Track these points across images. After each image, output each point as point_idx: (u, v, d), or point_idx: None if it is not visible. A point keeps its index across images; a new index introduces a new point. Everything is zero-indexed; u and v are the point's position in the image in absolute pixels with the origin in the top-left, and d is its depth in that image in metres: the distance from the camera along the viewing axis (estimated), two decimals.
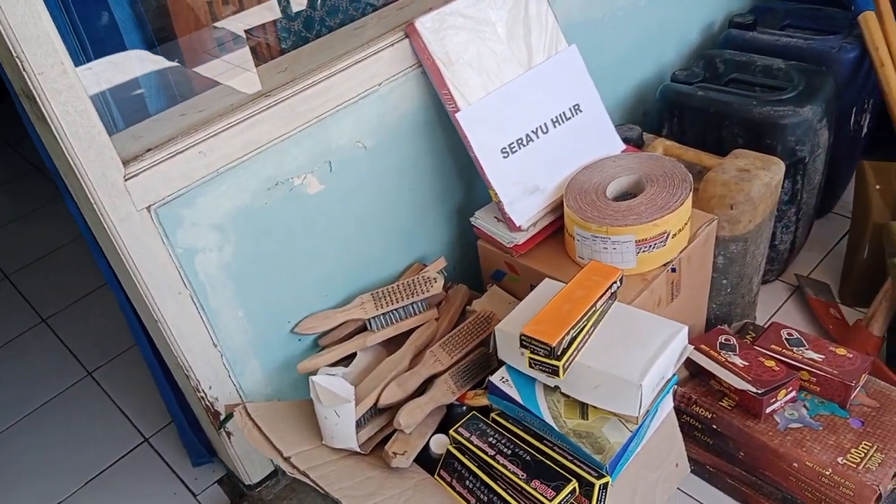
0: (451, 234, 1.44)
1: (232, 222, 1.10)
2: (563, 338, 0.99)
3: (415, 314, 1.26)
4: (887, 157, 1.58)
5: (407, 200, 1.33)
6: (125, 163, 0.96)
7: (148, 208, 0.99)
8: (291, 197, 1.15)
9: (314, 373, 1.13)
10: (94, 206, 0.95)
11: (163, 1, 1.24)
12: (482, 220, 1.30)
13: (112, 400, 1.70)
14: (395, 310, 1.25)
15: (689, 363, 1.29)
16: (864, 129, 1.75)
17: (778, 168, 1.38)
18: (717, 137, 1.52)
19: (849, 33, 1.64)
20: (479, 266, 1.38)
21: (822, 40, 1.64)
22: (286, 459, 0.99)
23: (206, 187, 1.04)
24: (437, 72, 1.21)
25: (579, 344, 1.03)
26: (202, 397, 1.15)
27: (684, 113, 1.56)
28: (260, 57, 1.29)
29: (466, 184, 1.40)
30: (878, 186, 1.56)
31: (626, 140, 1.40)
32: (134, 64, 1.23)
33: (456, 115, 1.21)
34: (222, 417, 1.14)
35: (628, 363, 1.00)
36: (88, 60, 1.13)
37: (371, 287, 1.31)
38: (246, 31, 1.26)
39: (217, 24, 1.28)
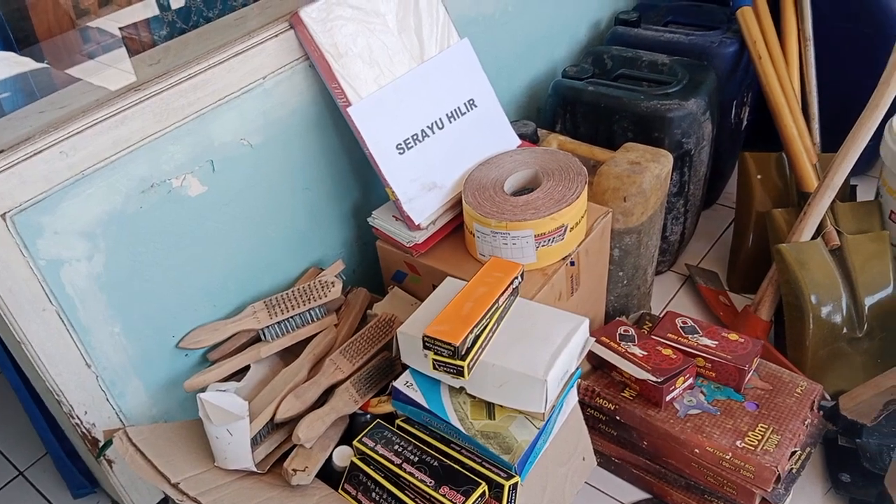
0: (349, 235, 1.38)
1: (102, 229, 1.00)
2: (466, 337, 0.96)
3: (312, 321, 1.20)
4: (767, 148, 1.65)
5: (300, 201, 1.26)
6: None
7: (2, 216, 0.89)
8: (170, 199, 1.07)
9: (203, 390, 1.05)
10: None
11: (22, 3, 1.12)
12: (380, 219, 1.26)
13: None
14: (291, 317, 1.18)
15: (591, 356, 1.30)
16: (745, 122, 1.83)
17: (667, 160, 1.40)
18: (608, 132, 1.54)
19: (728, 28, 1.70)
20: (378, 267, 1.33)
21: (703, 35, 1.69)
22: (174, 486, 0.91)
23: (69, 191, 0.94)
24: (325, 65, 1.15)
25: (483, 342, 1.00)
26: (77, 424, 1.05)
27: (576, 108, 1.57)
28: (132, 52, 1.19)
29: (363, 182, 1.35)
30: (759, 176, 1.63)
31: (521, 136, 1.39)
32: None
33: (347, 109, 1.16)
34: (101, 444, 1.04)
35: (532, 359, 0.98)
36: None
37: (265, 295, 1.23)
38: (120, 29, 1.16)
39: (91, 24, 1.18)
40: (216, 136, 1.10)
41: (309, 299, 1.19)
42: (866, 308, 1.38)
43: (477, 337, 0.99)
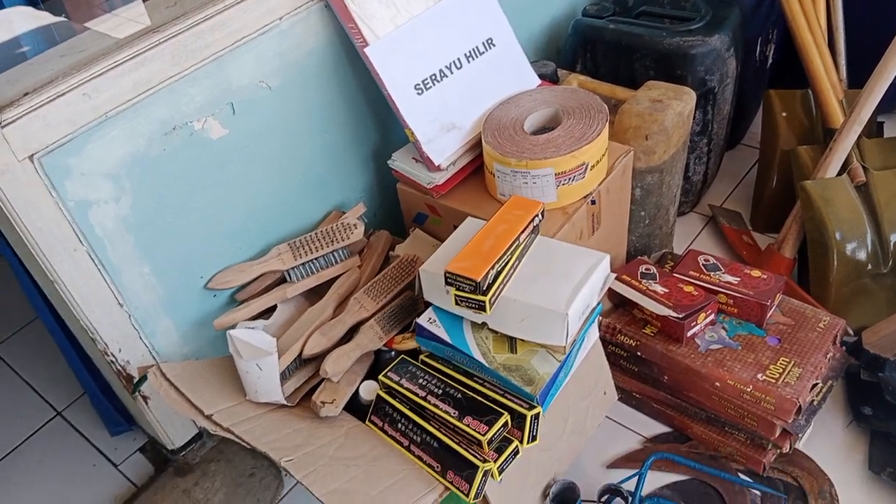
0: (369, 178, 1.39)
1: (127, 171, 1.01)
2: (487, 272, 0.97)
3: (336, 263, 1.22)
4: (793, 86, 1.62)
5: (320, 145, 1.27)
6: (0, 109, 0.87)
7: (31, 158, 0.90)
8: (192, 142, 1.08)
9: (233, 328, 1.08)
10: None
11: None
12: (400, 161, 1.26)
13: (18, 375, 1.60)
14: (315, 259, 1.20)
15: (612, 294, 1.30)
16: (770, 60, 1.79)
17: (689, 97, 1.38)
18: (629, 70, 1.52)
19: None
20: (399, 210, 1.34)
21: None
22: (208, 417, 0.94)
23: (94, 133, 0.96)
24: (341, 4, 1.14)
25: (504, 278, 1.01)
26: (112, 361, 1.08)
27: (597, 47, 1.54)
28: None
29: (382, 125, 1.35)
30: (784, 114, 1.60)
31: (541, 76, 1.37)
32: (15, 20, 1.15)
33: (365, 49, 1.15)
34: (136, 381, 1.07)
35: (554, 294, 0.99)
36: None
37: (288, 237, 1.25)
38: None
39: None
40: (235, 79, 1.10)
41: (332, 241, 1.21)
42: (892, 244, 1.37)
43: (498, 273, 1.00)
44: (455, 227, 1.16)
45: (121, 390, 1.21)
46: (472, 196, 1.24)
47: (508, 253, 1.02)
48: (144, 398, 1.13)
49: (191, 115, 1.06)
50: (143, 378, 0.99)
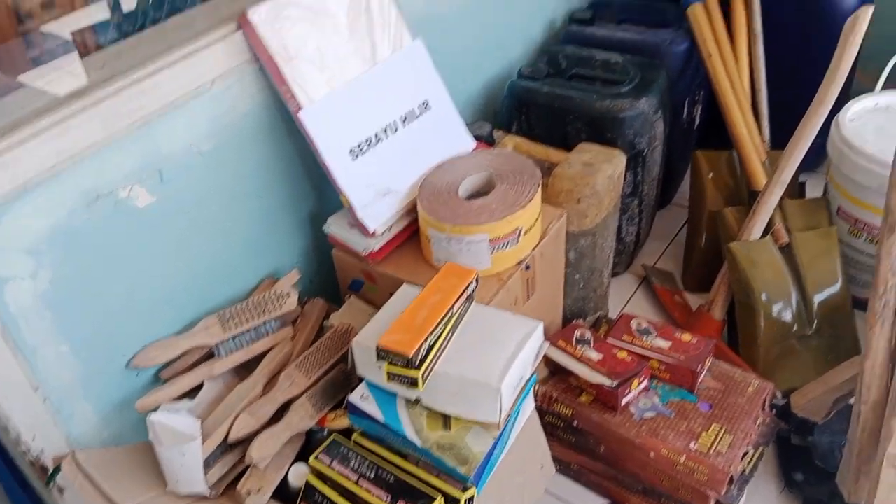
0: (304, 244, 1.36)
1: (47, 244, 0.96)
2: (419, 347, 0.96)
3: (267, 335, 1.18)
4: (720, 146, 1.68)
5: (254, 210, 1.23)
6: None
7: None
8: (116, 211, 1.03)
9: (156, 410, 1.03)
10: None
11: None
12: (335, 227, 1.24)
13: None
14: (246, 331, 1.16)
15: (548, 360, 1.30)
16: (697, 121, 1.85)
17: (619, 160, 1.41)
18: (562, 132, 1.54)
19: (679, 26, 1.71)
20: (335, 277, 1.32)
21: (654, 33, 1.70)
22: None
23: (12, 205, 0.91)
24: (274, 67, 1.13)
25: (438, 351, 1.00)
26: (25, 451, 1.01)
27: (531, 109, 1.57)
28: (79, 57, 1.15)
29: (318, 189, 1.33)
30: (711, 175, 1.65)
31: (477, 137, 1.38)
32: None
33: (298, 114, 1.14)
34: (50, 472, 1.01)
35: (486, 366, 0.98)
36: None
37: (219, 307, 1.20)
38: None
39: (36, 29, 1.14)
40: (164, 144, 1.07)
41: (264, 312, 1.17)
42: (815, 305, 1.42)
43: (431, 346, 0.98)
44: (392, 295, 1.15)
45: (36, 481, 1.14)
46: (409, 262, 1.23)
47: (442, 324, 1.01)
48: (60, 490, 1.06)
49: (116, 183, 1.02)
50: (58, 469, 0.93)
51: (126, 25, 1.18)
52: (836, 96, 1.39)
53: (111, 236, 1.04)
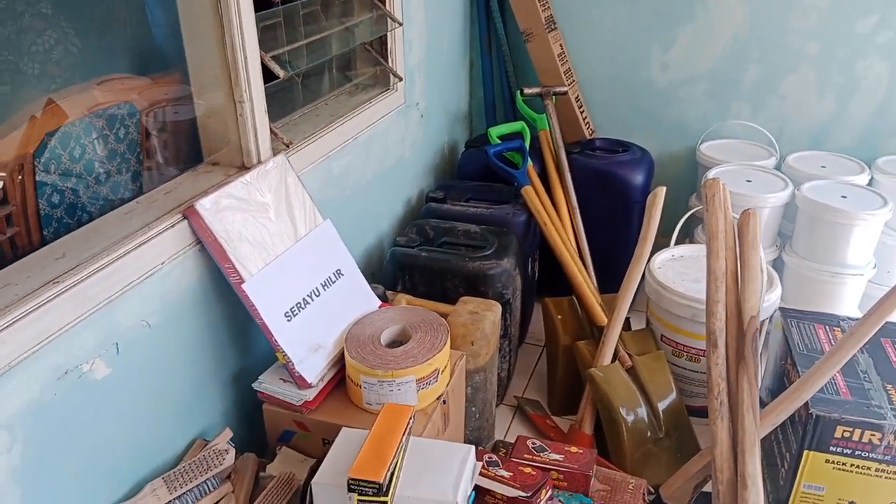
0: (227, 404, 1.45)
1: (21, 420, 1.01)
2: (386, 473, 1.10)
3: (210, 491, 1.24)
4: (552, 293, 2.03)
5: (188, 376, 1.33)
6: None
7: None
8: (80, 384, 1.10)
9: None
10: None
11: None
12: (267, 383, 1.36)
13: None
14: (190, 490, 1.22)
15: None
16: (536, 274, 2.22)
17: (497, 308, 1.70)
18: (443, 288, 1.81)
19: (516, 202, 2.10)
20: (259, 432, 1.41)
21: (499, 208, 2.07)
22: None
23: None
24: (219, 248, 1.29)
25: (396, 480, 1.14)
26: None
27: (413, 271, 1.83)
28: (19, 246, 1.24)
29: (240, 351, 1.45)
30: (559, 317, 1.98)
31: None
32: None
33: (242, 286, 1.29)
34: None
35: (440, 486, 1.14)
36: None
37: (159, 472, 1.26)
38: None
39: None
40: (121, 320, 1.17)
41: (206, 469, 1.24)
42: (661, 412, 1.74)
43: (392, 474, 1.13)
44: (324, 440, 1.28)
45: None
46: (338, 408, 1.37)
47: (397, 454, 1.16)
48: None
49: (81, 358, 1.10)
50: None
51: (66, 218, 1.30)
52: (649, 252, 1.81)
53: (73, 408, 1.10)
